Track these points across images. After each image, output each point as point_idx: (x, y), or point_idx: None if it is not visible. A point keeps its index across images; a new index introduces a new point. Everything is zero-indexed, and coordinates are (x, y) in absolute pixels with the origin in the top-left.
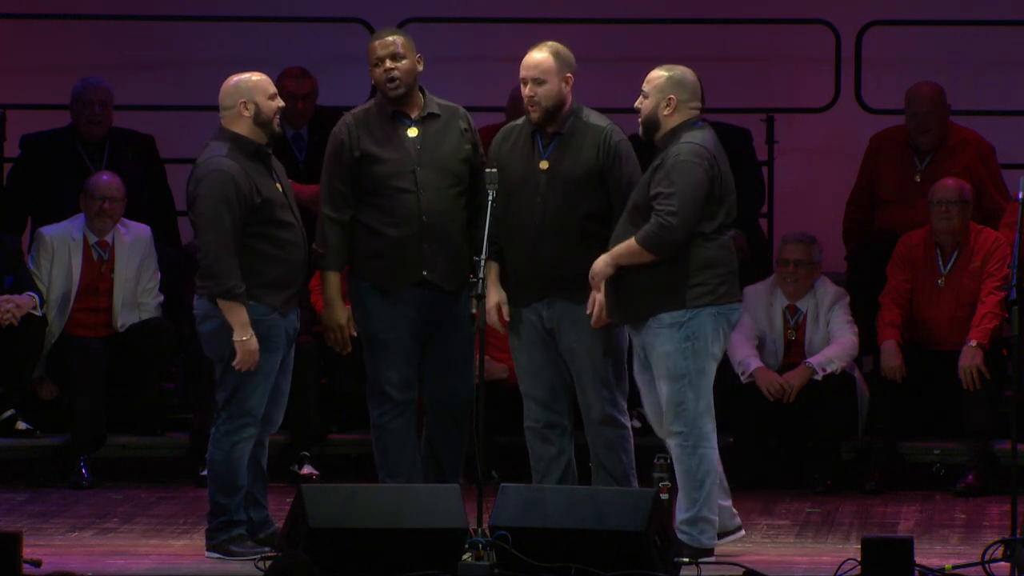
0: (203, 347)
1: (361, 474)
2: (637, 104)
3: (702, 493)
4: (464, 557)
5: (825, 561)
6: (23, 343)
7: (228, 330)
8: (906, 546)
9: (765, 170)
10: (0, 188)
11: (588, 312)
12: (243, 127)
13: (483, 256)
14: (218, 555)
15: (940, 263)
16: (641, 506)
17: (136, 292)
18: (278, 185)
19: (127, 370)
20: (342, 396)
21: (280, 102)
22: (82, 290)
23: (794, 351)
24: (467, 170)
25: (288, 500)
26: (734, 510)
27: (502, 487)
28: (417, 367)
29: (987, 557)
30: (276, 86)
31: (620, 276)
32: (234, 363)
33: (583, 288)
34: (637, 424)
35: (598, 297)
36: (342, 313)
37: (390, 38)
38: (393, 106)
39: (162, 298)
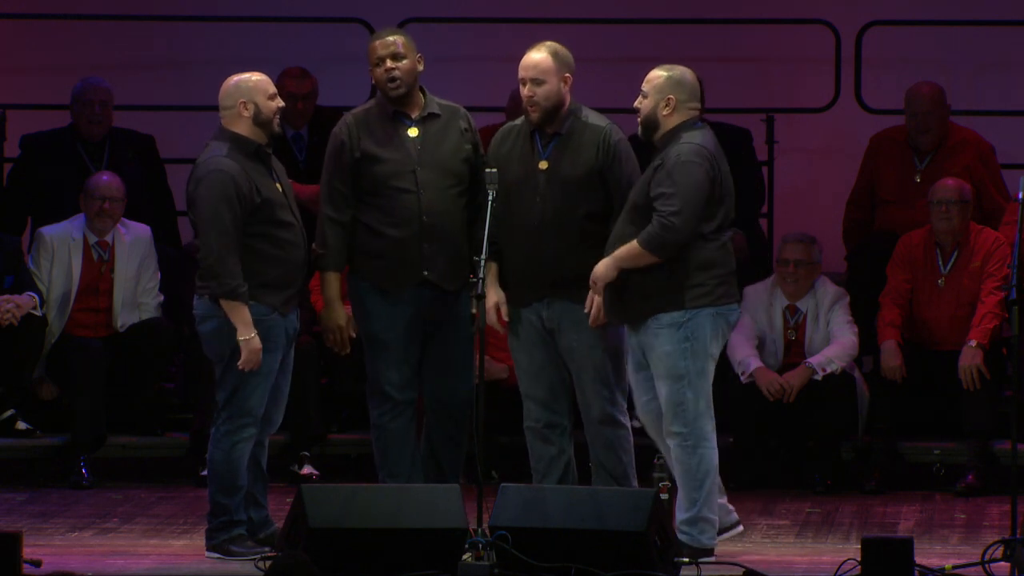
0: (203, 347)
1: (361, 474)
2: (636, 104)
3: (702, 493)
4: (464, 557)
5: (825, 561)
6: (23, 343)
7: (228, 330)
8: (906, 546)
9: (765, 170)
10: (0, 188)
11: (586, 311)
12: (243, 127)
13: (483, 256)
14: (218, 555)
15: (940, 263)
16: (641, 506)
17: (136, 292)
18: (278, 185)
19: (127, 370)
20: (342, 396)
21: (280, 102)
22: (82, 290)
23: (794, 351)
24: (468, 170)
25: (288, 500)
26: (730, 506)
27: (502, 487)
28: (417, 367)
29: (987, 557)
30: (276, 86)
31: (619, 276)
32: (239, 363)
33: (583, 288)
34: (637, 424)
35: (596, 298)
36: (341, 314)
37: (391, 38)
38: (394, 106)
39: (162, 298)
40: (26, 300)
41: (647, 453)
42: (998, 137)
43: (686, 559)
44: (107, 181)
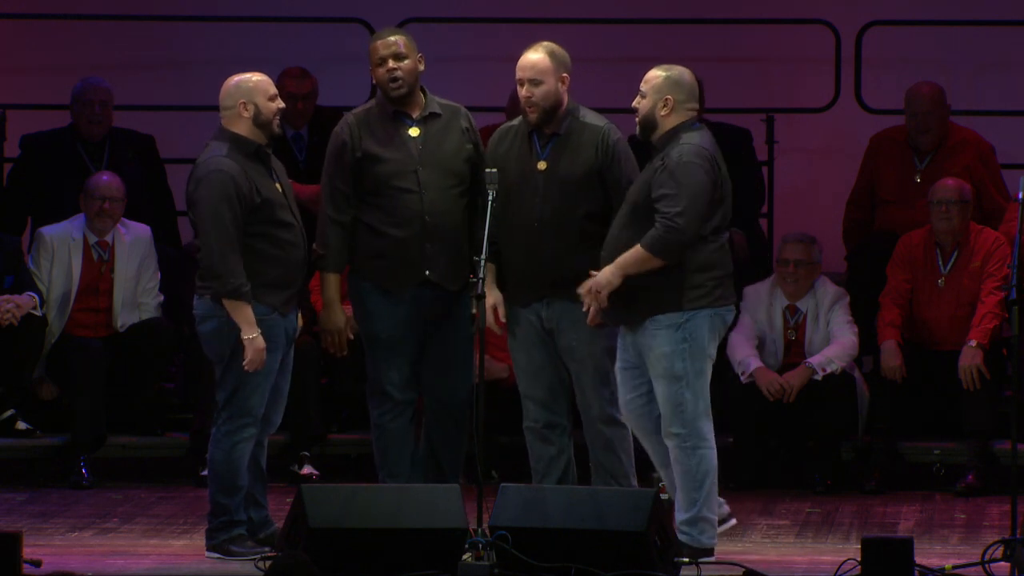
0: (203, 347)
1: (361, 474)
2: (635, 104)
3: (702, 493)
4: (464, 557)
5: (825, 561)
6: (23, 343)
7: (228, 330)
8: (906, 546)
9: (765, 170)
10: (0, 188)
11: (585, 311)
12: (243, 127)
13: (483, 256)
14: (218, 555)
15: (940, 263)
16: (641, 506)
17: (136, 292)
18: (278, 185)
19: (127, 370)
20: (342, 396)
21: (280, 103)
22: (82, 290)
23: (794, 351)
24: (469, 170)
25: (288, 500)
26: (720, 499)
27: (502, 487)
28: (417, 367)
29: (987, 557)
30: (276, 86)
31: None
32: (244, 363)
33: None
34: None
35: (594, 305)
36: (341, 316)
37: (392, 38)
38: (395, 106)
39: (162, 298)
40: (26, 300)
41: (647, 453)
42: (998, 137)
43: (686, 559)
44: (107, 181)
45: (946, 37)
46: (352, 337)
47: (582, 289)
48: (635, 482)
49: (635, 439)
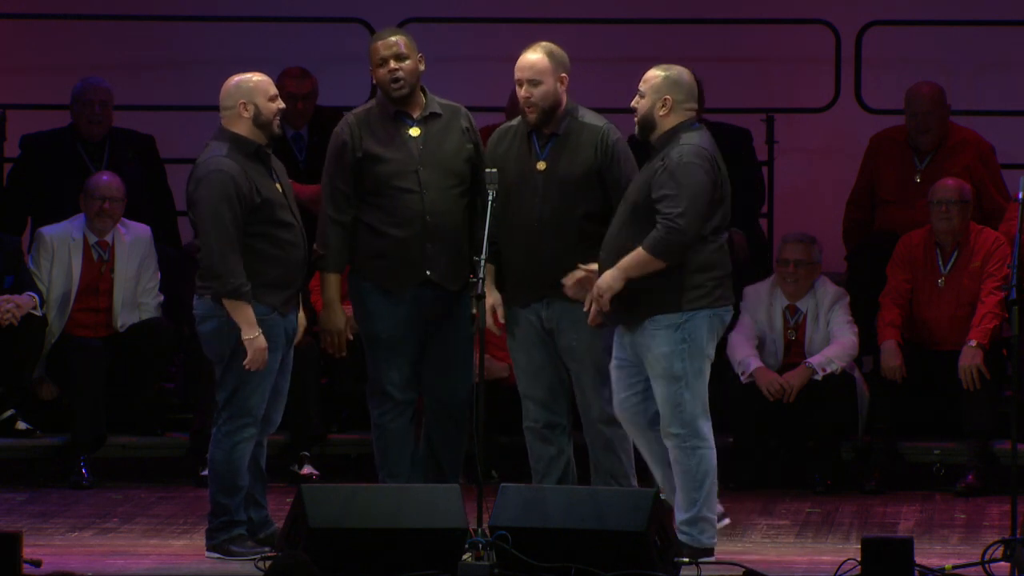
0: (203, 347)
1: (361, 474)
2: (633, 103)
3: (702, 493)
4: (464, 557)
5: (825, 561)
6: (23, 343)
7: (228, 330)
8: (906, 546)
9: (765, 170)
10: (0, 188)
11: (585, 311)
12: (243, 128)
13: (483, 256)
14: (218, 555)
15: (940, 263)
16: (641, 506)
17: (136, 292)
18: (278, 185)
19: (127, 370)
20: (342, 396)
21: (280, 103)
22: (82, 290)
23: (794, 351)
24: (469, 170)
25: (288, 500)
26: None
27: (502, 487)
28: (417, 367)
29: (987, 557)
30: (276, 86)
31: None
32: (244, 362)
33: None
34: None
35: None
36: (341, 317)
37: (393, 38)
38: (395, 106)
39: (162, 298)
40: (26, 300)
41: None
42: (998, 137)
43: (686, 559)
44: (107, 181)
45: (946, 37)
46: (352, 338)
47: (567, 281)
48: (635, 482)
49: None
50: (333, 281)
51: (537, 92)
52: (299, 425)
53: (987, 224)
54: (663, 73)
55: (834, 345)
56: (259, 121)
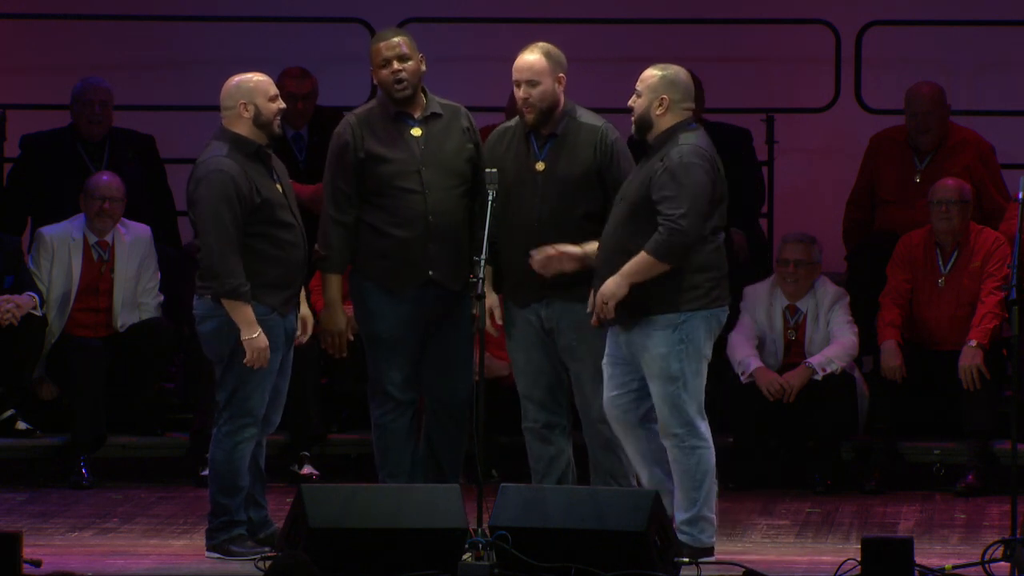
0: (203, 347)
1: (361, 474)
2: (630, 103)
3: (701, 493)
4: (464, 557)
5: (825, 561)
6: (23, 343)
7: (228, 330)
8: (906, 546)
9: (765, 170)
10: (0, 188)
11: (588, 311)
12: (243, 128)
13: (483, 256)
14: (218, 555)
15: (940, 263)
16: (641, 506)
17: (136, 292)
18: (278, 186)
19: (127, 370)
20: (342, 396)
21: (281, 104)
22: (82, 290)
23: (794, 351)
24: (470, 170)
25: (288, 500)
26: None
27: (502, 487)
28: (418, 366)
29: (987, 557)
30: (276, 86)
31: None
32: (245, 360)
33: (581, 288)
34: None
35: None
36: (342, 318)
37: (395, 39)
38: (397, 107)
39: (162, 298)
40: (26, 300)
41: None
42: (998, 137)
43: (686, 559)
44: (107, 181)
45: (946, 37)
46: (352, 338)
47: (536, 254)
48: (635, 482)
49: None
50: (335, 282)
51: (535, 93)
52: (299, 425)
53: (987, 224)
54: (660, 72)
55: (834, 345)
56: (259, 121)
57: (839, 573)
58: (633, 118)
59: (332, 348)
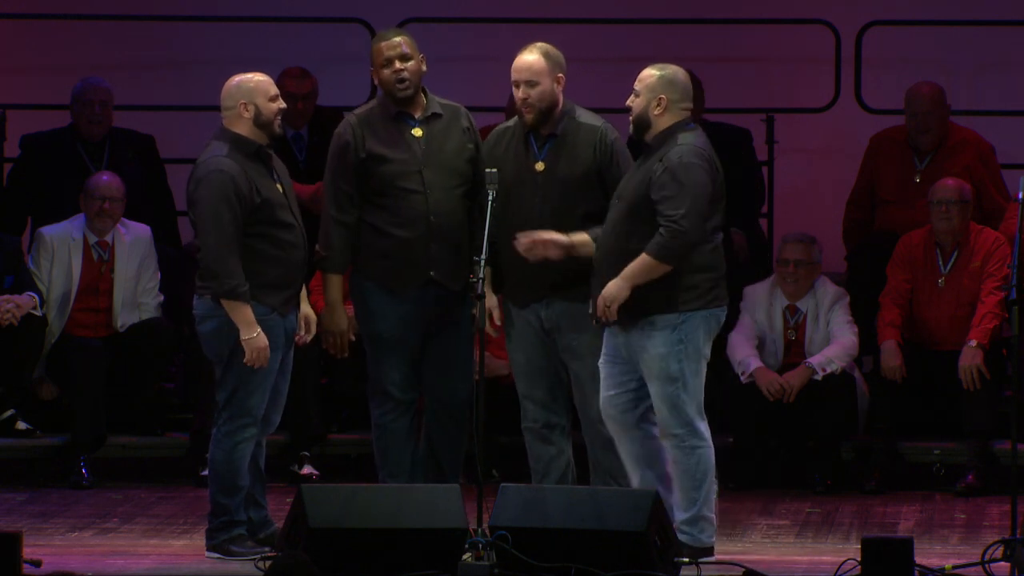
0: (203, 347)
1: (361, 474)
2: (628, 102)
3: (701, 492)
4: (464, 557)
5: (825, 561)
6: (23, 343)
7: (228, 330)
8: (906, 546)
9: (765, 170)
10: (0, 188)
11: (589, 313)
12: (244, 128)
13: (483, 256)
14: (218, 555)
15: (940, 263)
16: (641, 506)
17: (136, 292)
18: (279, 186)
19: (127, 370)
20: (342, 396)
21: (281, 103)
22: (82, 290)
23: (794, 351)
24: (471, 170)
25: (288, 500)
26: None
27: (502, 487)
28: (419, 366)
29: (987, 557)
30: (276, 86)
31: (612, 278)
32: (245, 360)
33: (581, 288)
34: None
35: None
36: (343, 318)
37: (396, 39)
38: (398, 107)
39: (162, 298)
40: (26, 300)
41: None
42: (998, 137)
43: (686, 559)
44: (107, 181)
45: (946, 37)
46: (354, 338)
47: (522, 237)
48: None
49: None
50: (336, 282)
51: (534, 93)
52: (299, 425)
53: (987, 224)
54: (658, 72)
55: (834, 345)
56: (260, 121)
57: (839, 573)
58: (631, 118)
59: (334, 348)
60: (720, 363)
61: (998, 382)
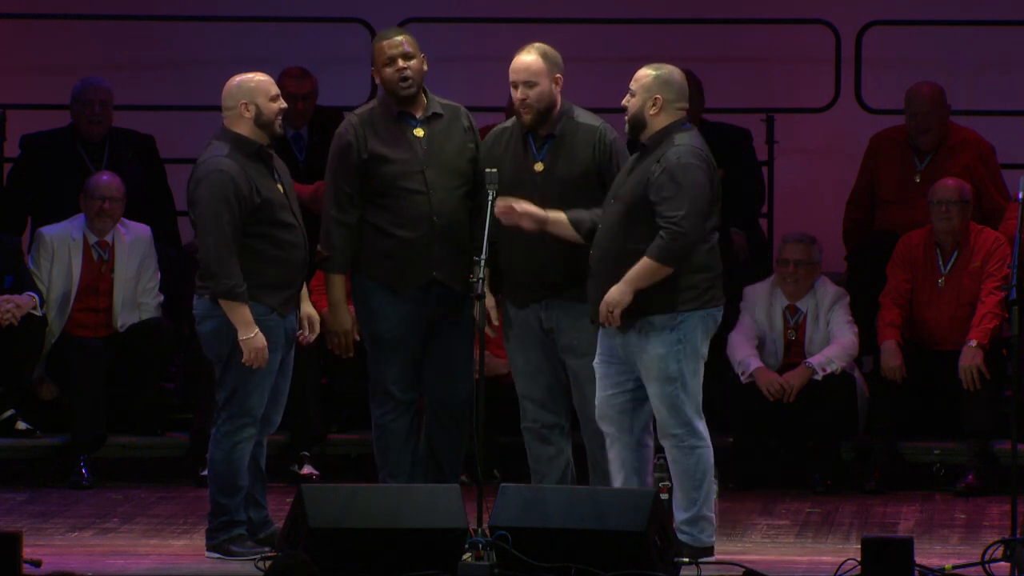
0: (203, 347)
1: (361, 474)
2: (624, 102)
3: (701, 492)
4: (464, 557)
5: (825, 561)
6: (23, 343)
7: (228, 330)
8: (906, 546)
9: (765, 170)
10: (0, 188)
11: (591, 318)
12: (244, 128)
13: (483, 256)
14: (218, 555)
15: (940, 263)
16: (641, 506)
17: (136, 292)
18: (279, 186)
19: (127, 370)
20: (342, 396)
21: (282, 103)
22: (82, 290)
23: (794, 351)
24: (472, 170)
25: (288, 500)
26: None
27: (502, 487)
28: (419, 366)
29: (987, 557)
30: (276, 86)
31: (610, 279)
32: (243, 360)
33: (580, 287)
34: None
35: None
36: (347, 318)
37: (398, 38)
38: (399, 106)
39: (162, 298)
40: (26, 300)
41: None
42: (998, 137)
43: (686, 559)
44: (107, 181)
45: (946, 37)
46: (358, 338)
47: (500, 203)
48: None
49: None
50: (338, 282)
51: (532, 93)
52: (299, 425)
53: (987, 224)
54: (654, 72)
55: (834, 345)
56: (260, 121)
57: (839, 573)
58: (627, 117)
59: (339, 348)
60: (720, 363)
61: (998, 382)
